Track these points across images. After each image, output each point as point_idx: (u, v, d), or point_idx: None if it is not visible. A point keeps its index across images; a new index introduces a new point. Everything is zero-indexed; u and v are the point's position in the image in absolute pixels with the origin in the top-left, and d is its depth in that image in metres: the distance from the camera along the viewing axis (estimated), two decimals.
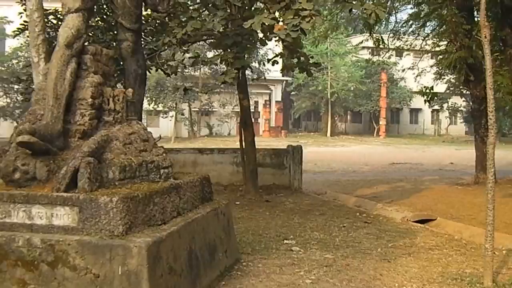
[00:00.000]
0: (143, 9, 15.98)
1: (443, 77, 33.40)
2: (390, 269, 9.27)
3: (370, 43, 25.45)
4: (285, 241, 11.35)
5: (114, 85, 8.39)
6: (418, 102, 58.86)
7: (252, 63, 14.68)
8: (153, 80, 52.90)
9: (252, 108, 65.55)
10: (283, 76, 68.45)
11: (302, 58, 16.38)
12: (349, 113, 78.77)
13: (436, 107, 72.20)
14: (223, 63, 15.15)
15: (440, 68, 27.37)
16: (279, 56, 17.05)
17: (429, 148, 52.42)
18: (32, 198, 6.59)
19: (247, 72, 58.93)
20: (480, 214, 14.53)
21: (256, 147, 18.48)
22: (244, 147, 17.96)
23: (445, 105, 71.08)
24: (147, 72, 18.15)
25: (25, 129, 6.77)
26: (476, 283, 8.34)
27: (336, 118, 74.01)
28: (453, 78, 40.30)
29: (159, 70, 16.89)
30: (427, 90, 21.20)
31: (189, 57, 15.50)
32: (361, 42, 28.41)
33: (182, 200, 8.00)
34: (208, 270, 8.03)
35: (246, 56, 15.79)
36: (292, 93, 76.29)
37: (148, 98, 55.94)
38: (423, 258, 10.14)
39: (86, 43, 7.91)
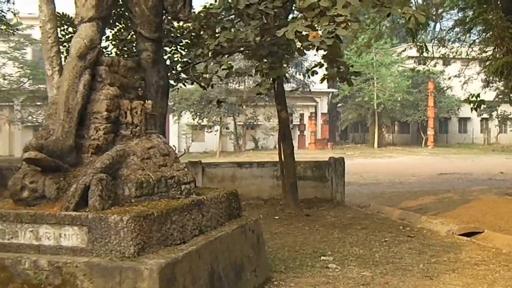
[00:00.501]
0: (175, 22, 15.76)
1: (491, 84, 32.64)
2: (431, 287, 8.67)
3: (415, 52, 24.80)
4: (322, 258, 10.81)
5: (135, 98, 7.94)
6: (467, 111, 57.58)
7: (287, 73, 14.16)
8: (196, 94, 52.87)
9: (297, 121, 65.23)
10: (328, 88, 68.00)
11: (342, 68, 15.94)
12: (396, 124, 77.63)
13: (485, 115, 70.85)
14: (258, 74, 14.67)
15: (487, 74, 26.65)
16: (318, 66, 16.60)
17: (478, 157, 51.24)
18: (39, 217, 6.21)
19: (292, 84, 58.80)
20: None
21: (297, 159, 18.00)
22: (283, 160, 17.43)
23: (494, 113, 69.56)
24: (183, 85, 17.83)
25: (31, 144, 6.39)
26: None
27: (383, 129, 73.08)
28: (501, 85, 39.39)
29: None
30: (474, 98, 20.49)
31: (222, 69, 15.06)
32: (404, 50, 27.74)
33: (205, 218, 7.53)
34: None
35: (283, 66, 15.23)
36: (339, 105, 75.57)
37: (193, 113, 55.97)
38: (468, 274, 9.49)
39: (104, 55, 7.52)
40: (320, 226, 14.59)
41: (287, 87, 58.52)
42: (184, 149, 53.15)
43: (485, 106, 62.91)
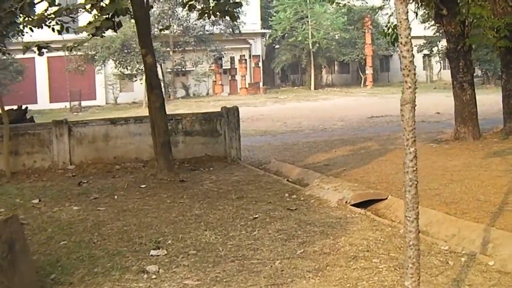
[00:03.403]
0: None
1: (420, 16, 30.40)
2: None
3: None
4: (151, 252, 7.84)
5: None
6: None
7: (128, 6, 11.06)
8: (118, 42, 49.16)
9: (228, 65, 61.83)
10: (262, 28, 65.14)
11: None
12: (336, 64, 74.50)
13: (426, 51, 68.06)
14: (94, 9, 11.61)
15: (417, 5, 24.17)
16: None
17: (418, 96, 47.99)
18: None
19: (221, 26, 55.89)
20: (449, 186, 11.19)
21: (190, 111, 15.07)
22: (153, 114, 14.33)
23: (435, 49, 66.81)
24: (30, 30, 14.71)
25: None
26: None
27: (322, 70, 70.15)
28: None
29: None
30: (389, 30, 17.83)
31: (49, 6, 12.05)
32: None
33: None
34: None
35: None
36: (276, 46, 72.04)
37: (116, 62, 52.29)
38: (335, 278, 6.50)
39: None
40: (187, 197, 11.65)
41: (215, 29, 55.69)
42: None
43: (425, 41, 60.98)
